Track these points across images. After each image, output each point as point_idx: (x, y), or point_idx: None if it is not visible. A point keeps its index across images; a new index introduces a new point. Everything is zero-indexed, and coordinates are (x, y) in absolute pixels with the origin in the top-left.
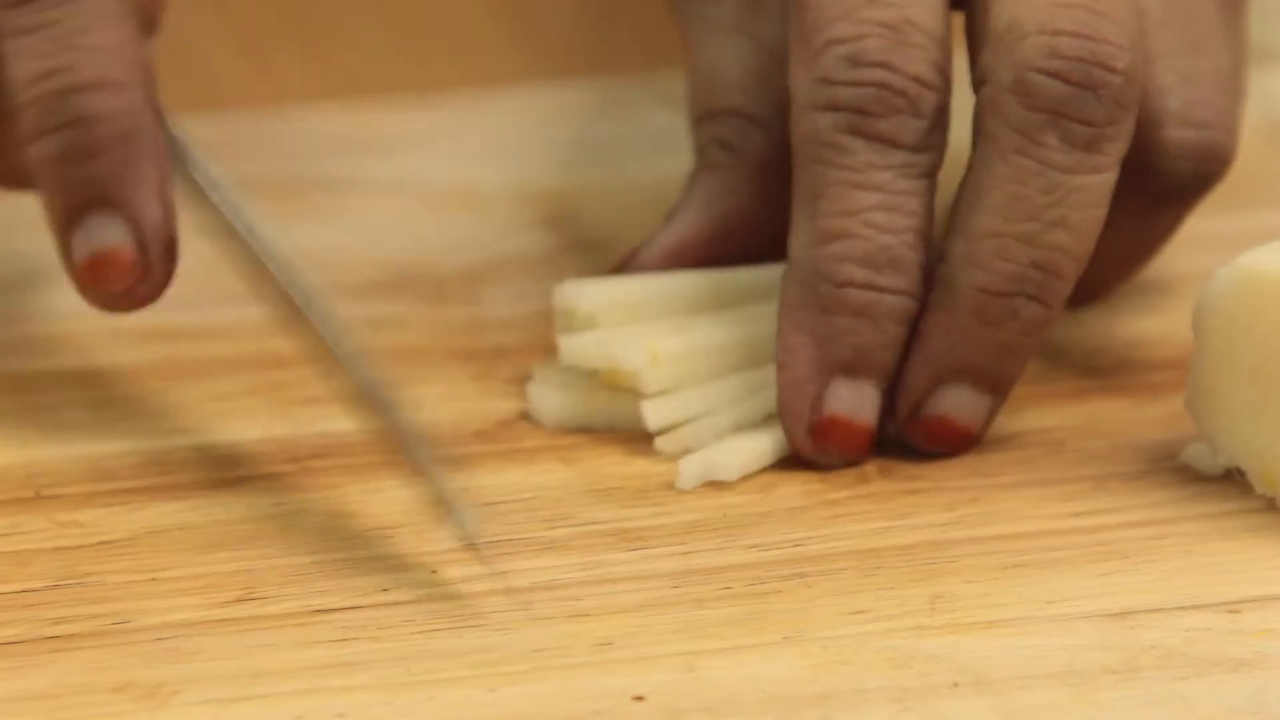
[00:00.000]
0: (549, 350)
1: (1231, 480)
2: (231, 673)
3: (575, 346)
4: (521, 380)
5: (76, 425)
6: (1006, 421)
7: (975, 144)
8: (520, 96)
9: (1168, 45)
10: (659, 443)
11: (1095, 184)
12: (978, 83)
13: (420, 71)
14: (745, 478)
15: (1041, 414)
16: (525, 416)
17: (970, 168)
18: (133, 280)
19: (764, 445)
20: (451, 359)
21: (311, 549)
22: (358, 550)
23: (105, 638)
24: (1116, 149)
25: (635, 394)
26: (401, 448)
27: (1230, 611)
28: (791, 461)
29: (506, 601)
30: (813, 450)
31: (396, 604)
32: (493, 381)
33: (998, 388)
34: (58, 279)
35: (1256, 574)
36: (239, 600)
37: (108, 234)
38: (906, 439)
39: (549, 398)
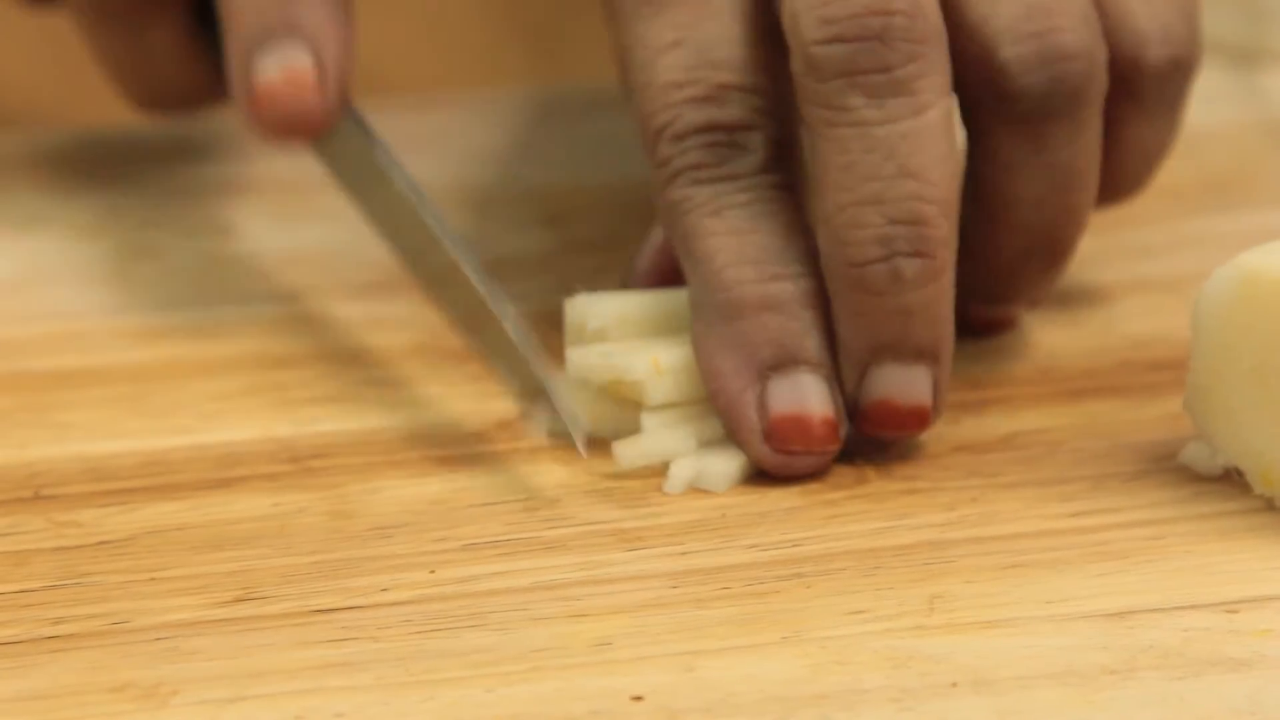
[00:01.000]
0: (549, 351)
1: (1230, 480)
2: (230, 673)
3: (581, 359)
4: None
5: (76, 425)
6: (1005, 421)
7: (801, 127)
8: (520, 96)
9: None
10: (615, 447)
11: (923, 124)
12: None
13: (420, 71)
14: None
15: (1040, 414)
16: (525, 416)
17: (806, 160)
18: (311, 101)
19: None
20: (451, 359)
21: (311, 549)
22: (357, 550)
23: (104, 638)
24: (931, 83)
25: (640, 405)
26: (507, 341)
27: (1229, 611)
28: None
29: (507, 602)
30: (777, 458)
31: (395, 604)
32: (493, 381)
33: (924, 354)
34: (58, 279)
35: (1255, 574)
36: (238, 600)
37: (293, 55)
38: (865, 434)
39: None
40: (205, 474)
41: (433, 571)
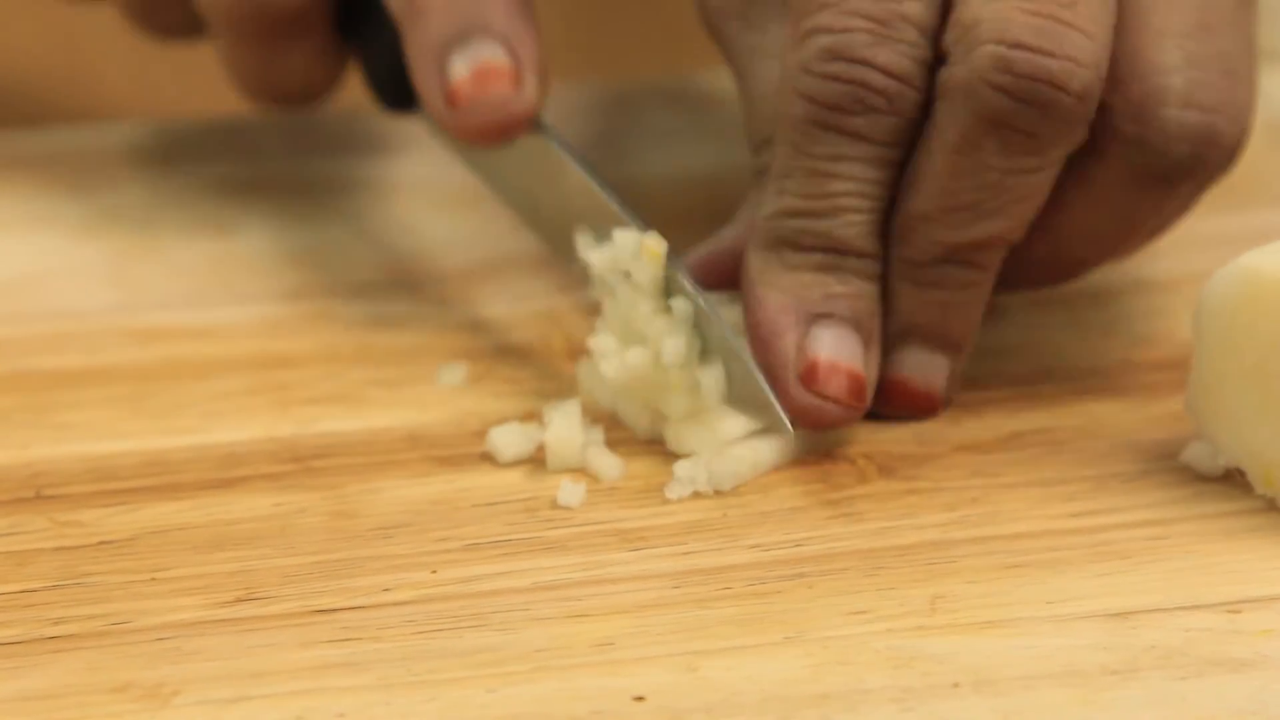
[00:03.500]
0: (549, 350)
1: (1232, 480)
2: (232, 673)
3: (583, 245)
4: (522, 380)
5: (77, 425)
6: (1007, 421)
7: (928, 116)
8: None
9: (1176, 24)
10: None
11: (1030, 181)
12: (938, 58)
13: None
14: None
15: (1042, 414)
16: (524, 416)
17: (918, 144)
18: (510, 91)
19: (761, 455)
20: (451, 359)
21: (312, 549)
22: (358, 550)
23: (105, 638)
24: (1059, 153)
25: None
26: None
27: (1230, 611)
28: (792, 462)
29: (510, 602)
30: (807, 398)
31: (397, 604)
32: (493, 381)
33: (948, 345)
34: (58, 279)
35: (1257, 574)
36: (239, 600)
37: (488, 51)
38: (874, 408)
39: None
40: (207, 474)
41: (434, 571)
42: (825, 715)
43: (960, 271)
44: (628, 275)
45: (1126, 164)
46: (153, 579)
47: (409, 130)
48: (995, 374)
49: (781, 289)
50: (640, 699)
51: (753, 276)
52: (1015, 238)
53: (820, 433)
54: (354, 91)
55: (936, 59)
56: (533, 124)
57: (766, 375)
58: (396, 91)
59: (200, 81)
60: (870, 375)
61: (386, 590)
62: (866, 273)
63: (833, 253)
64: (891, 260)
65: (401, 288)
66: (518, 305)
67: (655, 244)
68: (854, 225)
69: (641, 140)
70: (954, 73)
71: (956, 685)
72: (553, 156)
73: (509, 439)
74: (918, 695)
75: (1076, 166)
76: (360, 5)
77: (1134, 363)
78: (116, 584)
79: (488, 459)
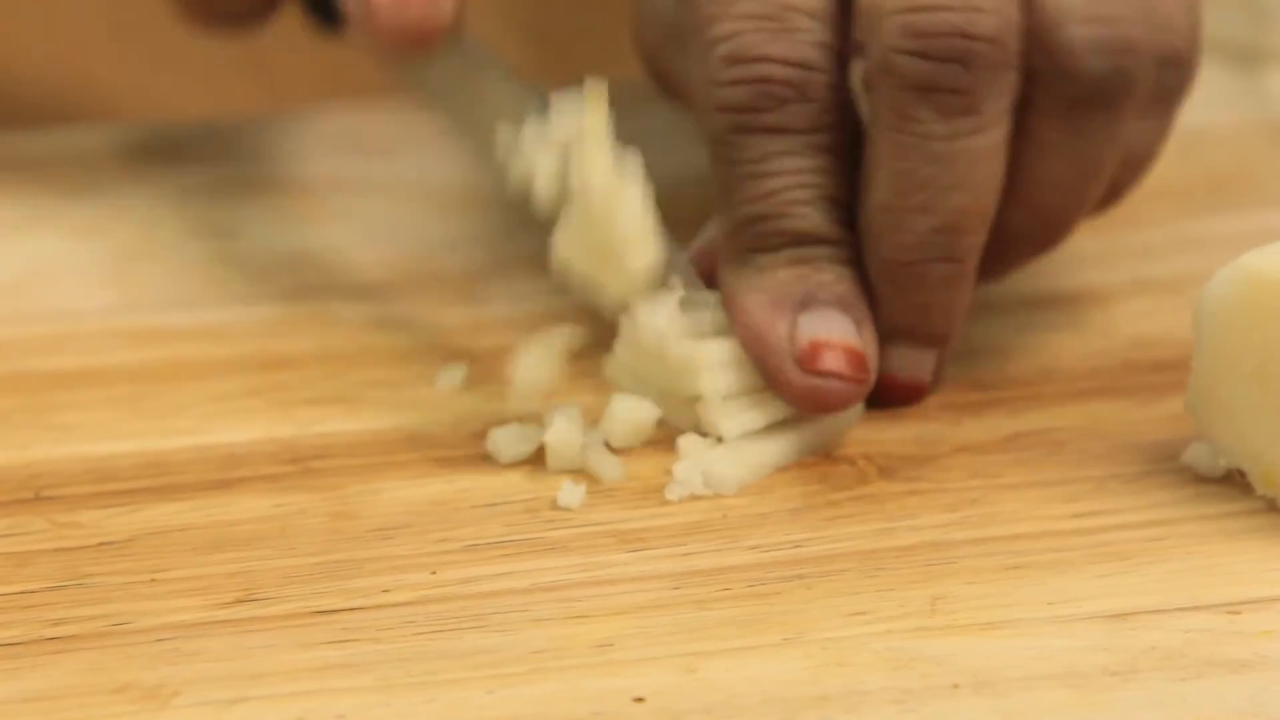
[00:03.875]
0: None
1: (1232, 481)
2: (232, 674)
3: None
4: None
5: (76, 426)
6: (1007, 422)
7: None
8: None
9: None
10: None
11: (980, 143)
12: (856, 53)
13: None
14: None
15: (1042, 415)
16: (524, 417)
17: (865, 139)
18: (426, 1)
19: (764, 456)
20: (451, 359)
21: (312, 550)
22: (358, 551)
23: (105, 639)
24: (996, 105)
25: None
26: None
27: (1231, 612)
28: (792, 463)
29: (509, 603)
30: (809, 382)
31: (397, 605)
32: (492, 383)
33: (934, 340)
34: (58, 279)
35: (1257, 575)
36: (239, 601)
37: None
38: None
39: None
40: (206, 475)
41: (434, 573)
42: (825, 716)
43: (939, 268)
44: (577, 141)
45: (1054, 99)
46: (152, 580)
47: (409, 130)
48: (995, 374)
49: (762, 290)
50: (640, 700)
51: (730, 289)
52: (985, 213)
53: (826, 437)
54: (353, 91)
55: (846, 50)
56: (452, 36)
57: (763, 370)
58: (328, 10)
59: (200, 82)
60: (869, 352)
61: (386, 591)
62: (839, 258)
63: (800, 245)
64: (869, 262)
65: (401, 288)
66: (518, 305)
67: (597, 87)
68: (808, 216)
69: (642, 140)
70: (870, 56)
71: (956, 686)
72: (473, 66)
73: (509, 439)
74: (917, 697)
75: (1016, 124)
76: None
77: (1134, 363)
78: (116, 585)
79: (488, 460)
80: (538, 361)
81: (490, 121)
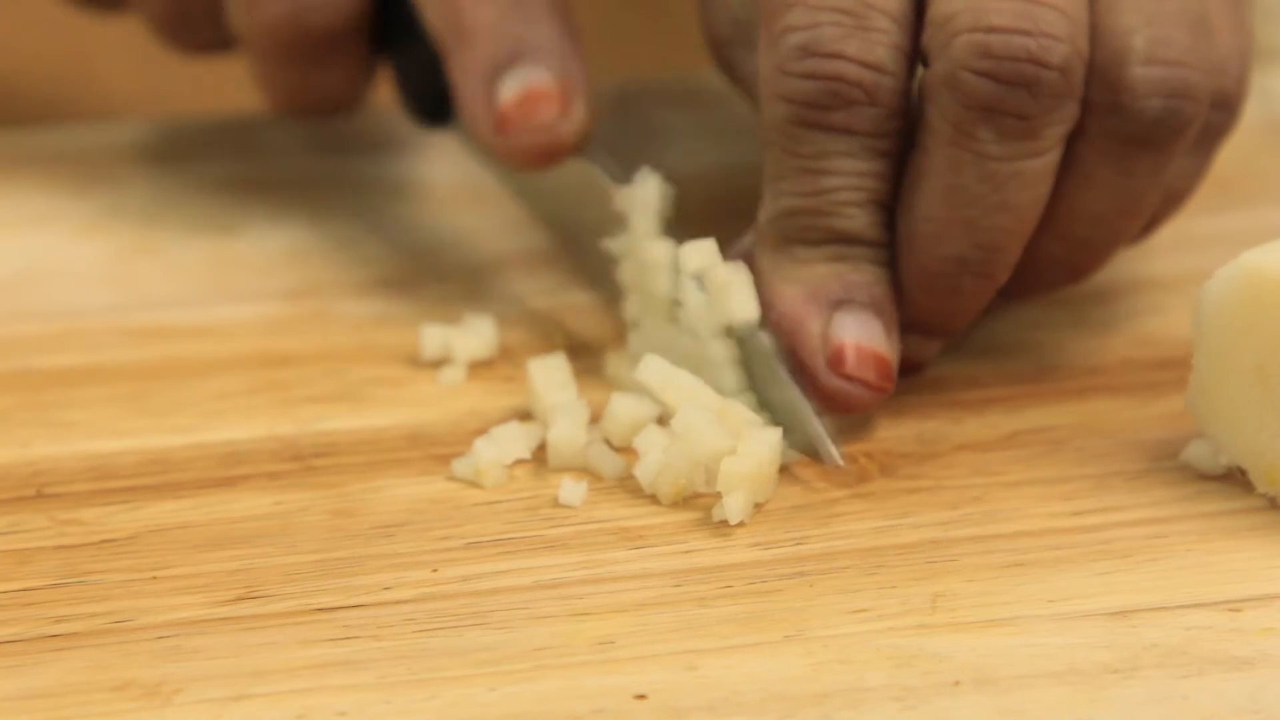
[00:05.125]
0: (549, 348)
1: (1232, 479)
2: (233, 671)
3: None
4: (522, 379)
5: (78, 424)
6: (1007, 420)
7: (920, 120)
8: None
9: None
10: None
11: (1033, 166)
12: (922, 60)
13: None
14: None
15: (1043, 413)
16: (524, 416)
17: (915, 146)
18: (558, 115)
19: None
20: (452, 357)
21: (313, 547)
22: (359, 549)
23: (106, 636)
24: (1055, 133)
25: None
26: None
27: (1231, 610)
28: (793, 461)
29: (510, 600)
30: (836, 384)
31: (398, 602)
32: (493, 381)
33: (946, 334)
34: (59, 278)
35: (1257, 572)
36: (240, 599)
37: (536, 75)
38: None
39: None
40: (207, 472)
41: (435, 570)
42: (826, 714)
43: (972, 280)
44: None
45: (1107, 134)
46: (154, 577)
47: (409, 129)
48: (996, 373)
49: (798, 281)
50: (641, 697)
51: (765, 274)
52: (1025, 234)
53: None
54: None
55: (916, 55)
56: (579, 149)
57: (793, 360)
58: (431, 106)
59: (201, 81)
60: (893, 358)
61: (387, 589)
62: (878, 259)
63: (842, 243)
64: (903, 264)
65: (402, 287)
66: (518, 305)
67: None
68: (856, 217)
69: (648, 140)
70: (936, 69)
71: (957, 683)
72: (596, 180)
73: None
74: (918, 693)
75: (1066, 153)
76: (395, 19)
77: (1135, 361)
78: (117, 582)
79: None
80: (568, 429)
81: (599, 237)
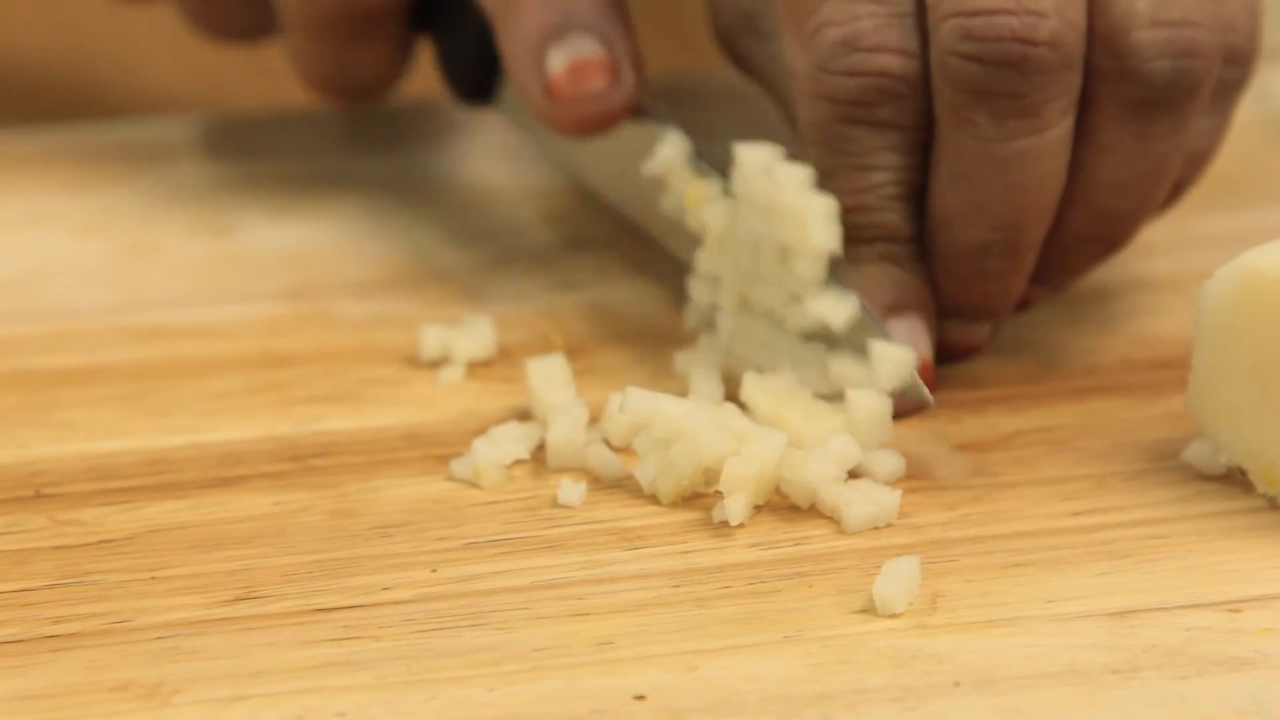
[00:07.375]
0: (549, 346)
1: (1232, 479)
2: (232, 672)
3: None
4: (522, 379)
5: (77, 424)
6: (1007, 420)
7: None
8: None
9: None
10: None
11: (1037, 144)
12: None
13: (421, 70)
14: None
15: (1042, 413)
16: (523, 416)
17: (933, 132)
18: (608, 83)
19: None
20: (451, 357)
21: (312, 548)
22: (358, 549)
23: (105, 636)
24: (1057, 105)
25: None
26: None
27: (1231, 610)
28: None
29: (509, 600)
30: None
31: (397, 603)
32: (491, 382)
33: (989, 316)
34: (58, 278)
35: (1257, 573)
36: (239, 599)
37: (585, 45)
38: None
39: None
40: (206, 473)
41: (434, 570)
42: (826, 714)
43: (997, 263)
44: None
45: (1119, 101)
46: (152, 578)
47: (409, 129)
48: (995, 373)
49: (852, 286)
50: (640, 698)
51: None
52: (1045, 211)
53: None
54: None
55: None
56: (630, 114)
57: None
58: (475, 85)
59: (201, 80)
60: (931, 355)
61: (386, 589)
62: (919, 255)
63: (891, 241)
64: (932, 252)
65: (400, 287)
66: (518, 305)
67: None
68: (900, 211)
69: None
70: (932, 56)
71: (957, 684)
72: (651, 138)
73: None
74: (918, 694)
75: (1079, 123)
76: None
77: (1134, 361)
78: (116, 583)
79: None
80: (567, 429)
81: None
